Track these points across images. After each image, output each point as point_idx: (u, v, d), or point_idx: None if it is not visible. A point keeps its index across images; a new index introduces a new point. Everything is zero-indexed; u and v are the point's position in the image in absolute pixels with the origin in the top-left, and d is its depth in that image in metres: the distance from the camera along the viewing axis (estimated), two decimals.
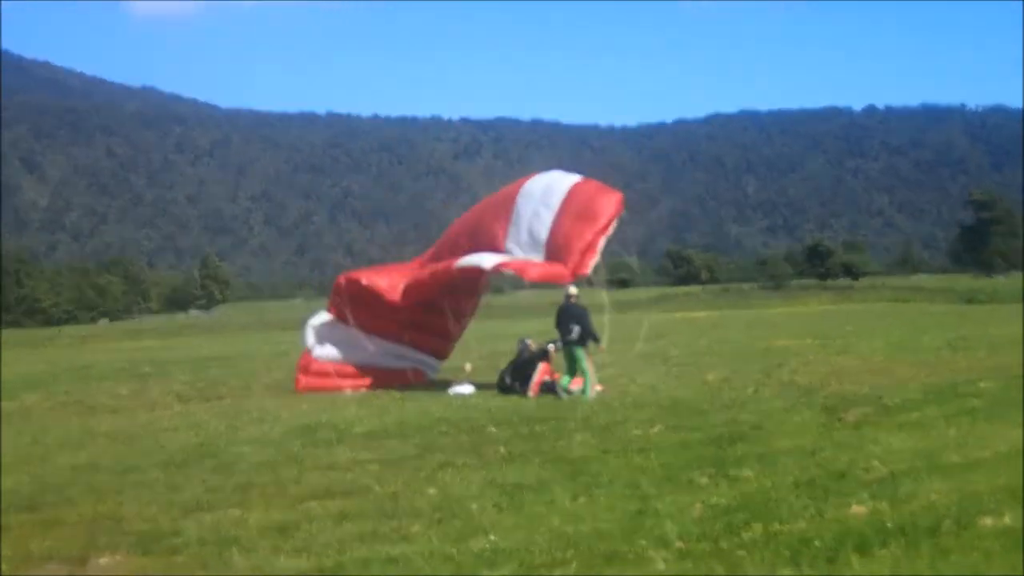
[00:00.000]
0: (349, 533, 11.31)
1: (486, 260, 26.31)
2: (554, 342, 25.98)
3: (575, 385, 24.84)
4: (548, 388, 24.95)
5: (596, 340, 25.08)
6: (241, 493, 13.88)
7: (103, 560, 10.67)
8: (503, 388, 26.04)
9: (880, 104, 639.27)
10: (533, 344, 26.91)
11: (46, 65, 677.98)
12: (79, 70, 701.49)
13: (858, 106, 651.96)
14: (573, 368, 25.05)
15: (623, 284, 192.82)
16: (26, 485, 15.22)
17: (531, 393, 24.83)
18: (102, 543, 11.34)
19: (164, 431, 21.21)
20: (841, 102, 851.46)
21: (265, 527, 11.77)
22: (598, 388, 24.70)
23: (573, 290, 25.74)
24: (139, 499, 13.79)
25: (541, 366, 25.47)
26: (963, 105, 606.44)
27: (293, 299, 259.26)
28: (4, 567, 10.46)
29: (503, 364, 27.20)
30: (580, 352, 24.82)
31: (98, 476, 15.73)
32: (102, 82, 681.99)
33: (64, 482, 15.31)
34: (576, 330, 24.94)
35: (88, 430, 22.23)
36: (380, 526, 11.55)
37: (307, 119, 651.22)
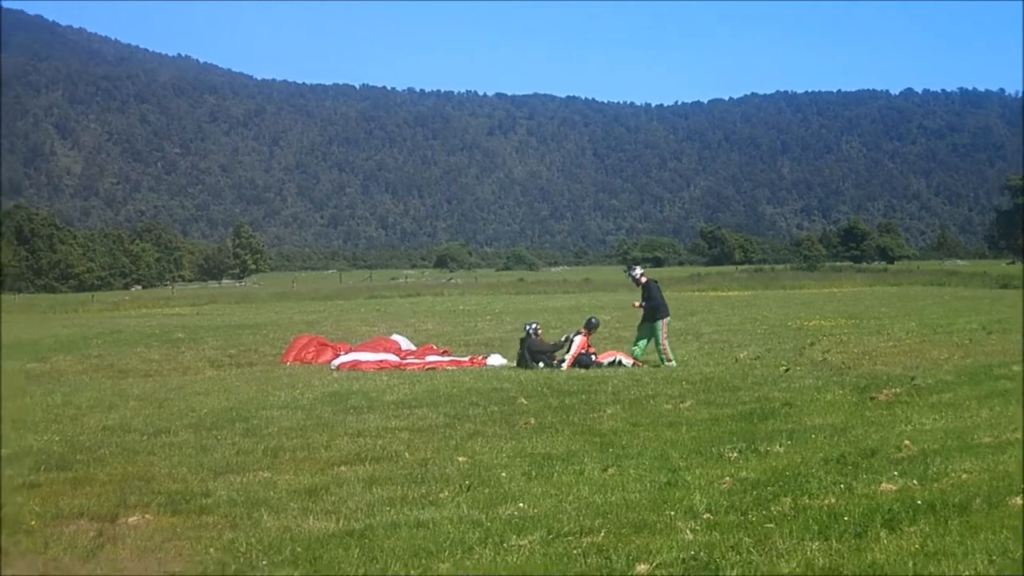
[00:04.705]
0: (378, 497, 11.32)
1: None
2: (590, 324, 26.26)
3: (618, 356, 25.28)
4: (583, 363, 24.93)
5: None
6: (271, 456, 13.93)
7: (133, 518, 10.69)
8: (522, 366, 25.93)
9: (918, 88, 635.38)
10: (540, 330, 26.88)
11: (81, 32, 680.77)
12: (114, 37, 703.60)
13: (896, 89, 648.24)
14: (648, 338, 25.55)
15: (656, 263, 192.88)
16: (57, 444, 15.28)
17: (565, 366, 24.82)
18: (132, 502, 11.38)
19: (195, 395, 21.28)
20: (879, 85, 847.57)
21: (294, 490, 11.80)
22: (672, 363, 24.95)
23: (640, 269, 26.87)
24: (169, 460, 13.86)
25: (579, 340, 25.46)
26: (1002, 90, 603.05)
27: (326, 270, 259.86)
28: (35, 523, 10.50)
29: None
30: (658, 324, 25.32)
31: (129, 437, 15.81)
32: (137, 50, 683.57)
33: (95, 442, 15.38)
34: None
35: (120, 392, 22.33)
36: (409, 491, 11.58)
37: (342, 91, 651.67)
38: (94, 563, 9.21)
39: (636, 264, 27.25)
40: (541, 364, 25.50)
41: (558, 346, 26.30)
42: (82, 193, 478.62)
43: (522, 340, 26.59)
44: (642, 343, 25.73)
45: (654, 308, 25.59)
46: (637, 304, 26.36)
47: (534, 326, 26.79)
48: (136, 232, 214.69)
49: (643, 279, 26.28)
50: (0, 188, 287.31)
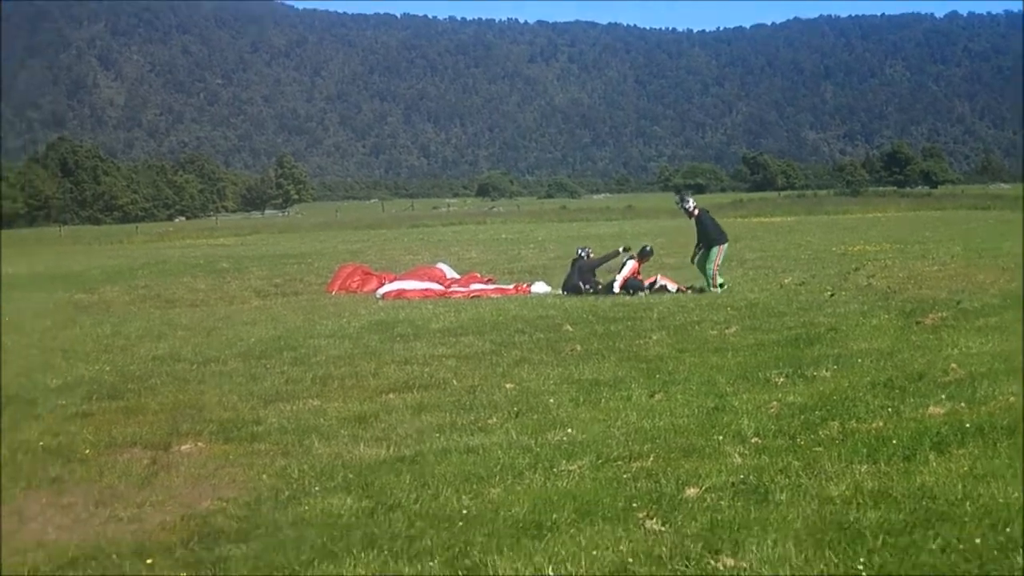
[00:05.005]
0: (427, 424, 11.40)
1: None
2: (644, 252, 26.41)
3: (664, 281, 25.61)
4: (633, 287, 24.99)
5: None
6: (320, 385, 14.02)
7: (185, 447, 10.80)
8: (571, 291, 25.96)
9: (963, 10, 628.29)
10: (593, 253, 27.06)
11: None
12: None
13: (940, 12, 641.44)
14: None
15: (698, 190, 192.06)
16: (108, 374, 15.45)
17: (617, 286, 24.88)
18: (184, 430, 11.51)
19: (243, 324, 21.45)
20: (923, 8, 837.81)
21: (344, 417, 11.88)
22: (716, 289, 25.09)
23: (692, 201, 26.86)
24: (220, 389, 13.98)
25: (631, 264, 25.51)
26: None
27: (368, 200, 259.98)
28: (88, 451, 10.62)
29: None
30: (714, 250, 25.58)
31: (179, 366, 15.97)
32: None
33: (145, 372, 15.55)
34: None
35: (168, 322, 22.55)
36: (458, 418, 11.64)
37: (383, 20, 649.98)
38: (149, 490, 9.31)
39: (688, 196, 27.09)
40: (589, 288, 25.59)
41: (610, 256, 26.54)
42: (125, 125, 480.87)
43: (573, 261, 26.76)
44: (709, 267, 25.65)
45: (709, 240, 25.60)
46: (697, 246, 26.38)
47: (587, 250, 27.00)
48: (179, 163, 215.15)
49: (696, 211, 26.21)
50: None
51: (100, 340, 19.57)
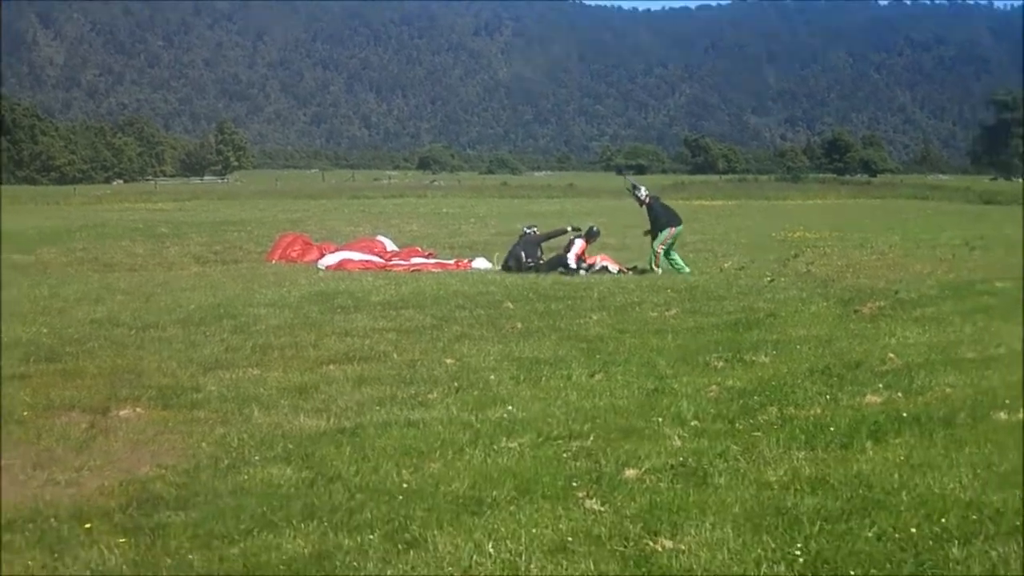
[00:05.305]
0: (368, 397, 11.45)
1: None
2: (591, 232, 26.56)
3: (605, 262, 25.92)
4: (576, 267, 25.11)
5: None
6: (260, 353, 14.02)
7: (124, 411, 10.77)
8: (514, 267, 26.01)
9: None
10: (538, 230, 27.23)
11: None
12: None
13: None
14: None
15: (639, 170, 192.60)
16: (46, 336, 15.34)
17: (572, 263, 24.90)
18: (123, 395, 11.48)
19: (182, 290, 21.34)
20: None
21: (284, 387, 11.91)
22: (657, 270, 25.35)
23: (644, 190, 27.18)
24: (159, 354, 13.94)
25: (579, 244, 25.58)
26: (990, 2, 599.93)
27: (308, 169, 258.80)
28: (26, 413, 10.57)
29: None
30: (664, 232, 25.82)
31: (117, 330, 15.88)
32: None
33: (84, 335, 15.44)
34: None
35: (106, 286, 22.40)
36: (398, 392, 11.69)
37: None
38: (87, 455, 9.29)
39: (640, 185, 27.35)
40: (531, 262, 25.68)
41: (557, 232, 26.75)
42: (64, 84, 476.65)
43: (520, 236, 26.89)
44: (654, 246, 25.83)
45: (659, 227, 25.77)
46: (647, 233, 26.60)
47: (533, 228, 27.24)
48: (118, 125, 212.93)
49: (648, 199, 26.49)
50: None
51: (37, 302, 19.40)
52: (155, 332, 15.74)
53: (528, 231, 27.00)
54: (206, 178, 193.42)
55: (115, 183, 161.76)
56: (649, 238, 26.23)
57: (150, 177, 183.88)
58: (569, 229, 27.14)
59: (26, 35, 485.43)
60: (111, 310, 18.14)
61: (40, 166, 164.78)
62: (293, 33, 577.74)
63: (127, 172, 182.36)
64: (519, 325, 16.34)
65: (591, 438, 9.51)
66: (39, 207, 72.17)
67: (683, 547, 6.72)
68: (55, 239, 36.12)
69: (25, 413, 10.62)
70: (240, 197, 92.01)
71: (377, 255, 28.55)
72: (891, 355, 13.20)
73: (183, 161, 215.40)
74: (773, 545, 6.72)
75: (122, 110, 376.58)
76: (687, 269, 25.46)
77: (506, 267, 26.23)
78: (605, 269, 25.23)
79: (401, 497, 7.79)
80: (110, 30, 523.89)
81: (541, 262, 25.76)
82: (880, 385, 11.50)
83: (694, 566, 6.47)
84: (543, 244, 26.69)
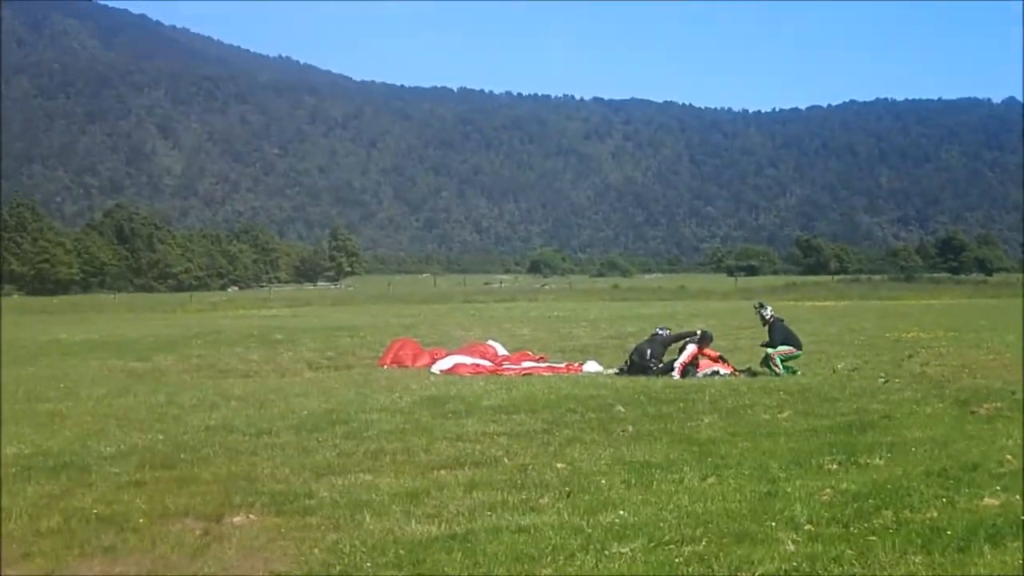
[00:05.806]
0: (479, 502, 11.42)
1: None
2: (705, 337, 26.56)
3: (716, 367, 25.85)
4: (690, 372, 25.05)
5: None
6: (372, 459, 14.06)
7: (237, 518, 10.87)
8: (633, 369, 25.98)
9: (1020, 96, 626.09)
10: (670, 332, 27.38)
11: (184, 31, 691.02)
12: (216, 37, 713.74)
13: (997, 98, 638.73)
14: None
15: (750, 271, 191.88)
16: (161, 443, 15.55)
17: (675, 374, 24.83)
18: (236, 501, 11.57)
19: (295, 396, 21.51)
20: (980, 93, 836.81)
21: (396, 492, 11.91)
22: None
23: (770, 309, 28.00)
24: (272, 460, 14.05)
25: (691, 348, 25.52)
26: None
27: (420, 274, 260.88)
28: (142, 521, 10.70)
29: (630, 344, 27.25)
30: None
31: (232, 437, 16.05)
32: (238, 50, 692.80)
33: (199, 442, 15.62)
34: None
35: (221, 392, 22.63)
36: (510, 496, 11.64)
37: (439, 93, 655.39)
38: (201, 561, 9.38)
39: (767, 304, 27.94)
40: (654, 363, 25.69)
41: (688, 334, 26.82)
42: (182, 193, 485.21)
43: (652, 335, 26.99)
44: (771, 353, 25.93)
45: (775, 345, 26.03)
46: (764, 344, 26.90)
47: (666, 330, 27.56)
48: (234, 233, 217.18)
49: (771, 319, 27.00)
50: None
51: (154, 409, 19.70)
52: (269, 438, 15.88)
53: (660, 332, 27.09)
54: (319, 284, 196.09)
55: (230, 289, 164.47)
56: (766, 349, 26.17)
57: (264, 283, 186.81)
58: (699, 332, 27.09)
59: (145, 146, 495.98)
60: (226, 416, 18.36)
61: (158, 274, 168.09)
62: (406, 140, 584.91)
63: (242, 279, 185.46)
64: (630, 428, 16.26)
65: (703, 543, 9.42)
66: (156, 315, 73.43)
67: None
68: (172, 346, 36.65)
69: (141, 520, 10.75)
70: (353, 302, 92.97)
71: (488, 360, 28.65)
72: (1009, 457, 12.96)
73: (297, 267, 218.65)
74: None
75: (238, 218, 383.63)
76: (799, 372, 25.34)
77: (630, 360, 26.24)
78: (716, 373, 25.07)
79: None
80: (227, 139, 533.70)
81: (661, 364, 25.71)
82: (998, 487, 11.27)
83: None
84: (671, 346, 26.76)
